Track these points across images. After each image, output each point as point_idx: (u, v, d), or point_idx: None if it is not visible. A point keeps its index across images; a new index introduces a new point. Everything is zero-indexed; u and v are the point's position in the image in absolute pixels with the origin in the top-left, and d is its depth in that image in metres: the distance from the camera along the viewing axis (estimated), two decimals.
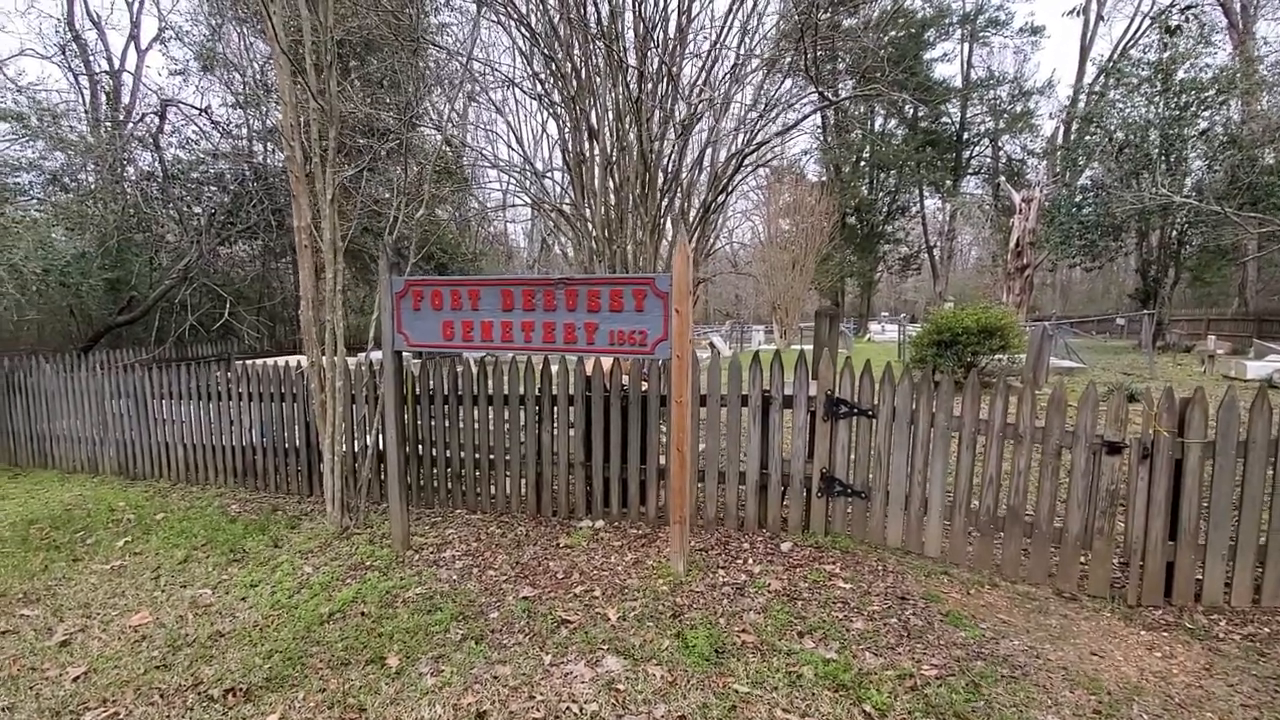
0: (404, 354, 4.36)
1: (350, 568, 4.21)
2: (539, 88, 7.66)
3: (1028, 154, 33.16)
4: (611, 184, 6.79)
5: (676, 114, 6.66)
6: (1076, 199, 18.25)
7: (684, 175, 7.03)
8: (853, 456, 4.01)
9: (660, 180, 6.82)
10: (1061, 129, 28.70)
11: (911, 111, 32.37)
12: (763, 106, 6.74)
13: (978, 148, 35.09)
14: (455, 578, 3.93)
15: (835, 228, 26.23)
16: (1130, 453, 3.21)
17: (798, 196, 24.06)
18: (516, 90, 8.12)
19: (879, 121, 35.45)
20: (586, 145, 6.76)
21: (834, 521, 4.12)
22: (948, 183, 33.74)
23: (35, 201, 12.26)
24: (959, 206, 33.84)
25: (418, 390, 5.21)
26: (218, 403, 6.27)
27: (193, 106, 12.92)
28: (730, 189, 7.01)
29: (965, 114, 33.97)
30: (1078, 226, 17.67)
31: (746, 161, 7.42)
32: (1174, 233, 17.06)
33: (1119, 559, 3.49)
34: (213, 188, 13.44)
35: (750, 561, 3.86)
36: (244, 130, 14.26)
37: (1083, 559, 3.41)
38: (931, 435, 3.72)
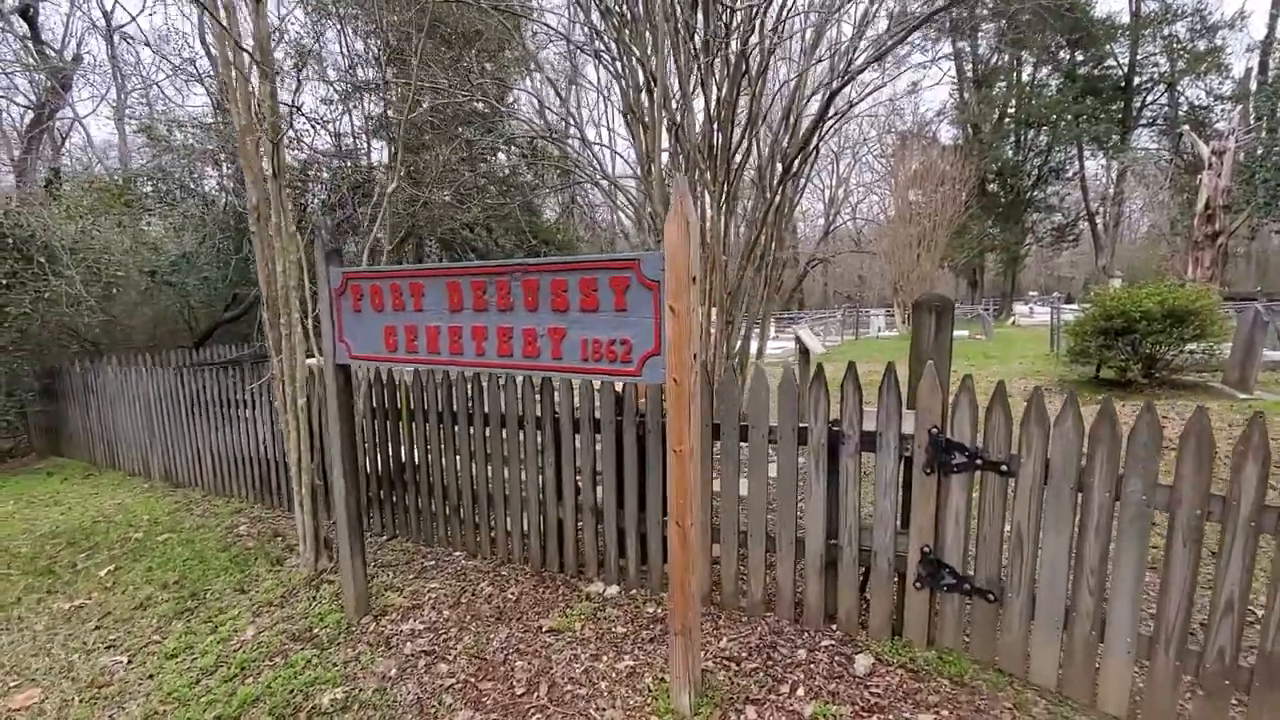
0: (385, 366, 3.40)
1: (293, 636, 3.35)
2: (593, 39, 6.55)
3: (1214, 99, 27.44)
4: (677, 146, 5.53)
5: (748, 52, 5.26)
6: None
7: (759, 127, 5.61)
8: (975, 533, 2.54)
9: (735, 137, 5.47)
10: (1257, 65, 23.42)
11: (1067, 56, 27.80)
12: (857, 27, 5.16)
13: (1151, 95, 29.60)
14: (396, 672, 2.92)
15: (972, 195, 23.04)
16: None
17: (928, 162, 21.28)
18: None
19: (1027, 71, 30.87)
20: (645, 98, 5.53)
21: (942, 629, 2.67)
22: (1114, 137, 28.70)
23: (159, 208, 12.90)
24: (1129, 164, 28.70)
25: (411, 405, 4.29)
26: (233, 410, 5.74)
27: (286, 104, 13.00)
28: (818, 142, 5.47)
29: (1135, 55, 28.68)
30: None
31: (841, 103, 5.86)
32: None
33: None
34: (316, 185, 13.56)
35: (802, 690, 2.52)
36: (345, 126, 14.29)
37: None
38: (1117, 513, 2.18)
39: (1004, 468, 2.40)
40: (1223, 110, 26.77)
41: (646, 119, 5.57)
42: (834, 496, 2.81)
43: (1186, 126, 24.94)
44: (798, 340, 6.51)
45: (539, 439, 3.72)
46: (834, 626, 2.92)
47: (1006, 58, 29.05)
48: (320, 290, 3.21)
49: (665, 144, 5.60)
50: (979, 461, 2.45)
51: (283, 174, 3.70)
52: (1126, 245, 35.75)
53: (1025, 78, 30.92)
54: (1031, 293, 27.71)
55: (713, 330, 5.62)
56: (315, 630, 3.38)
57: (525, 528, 3.86)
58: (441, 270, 2.79)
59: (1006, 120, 30.70)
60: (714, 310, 5.65)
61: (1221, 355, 8.78)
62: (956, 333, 18.69)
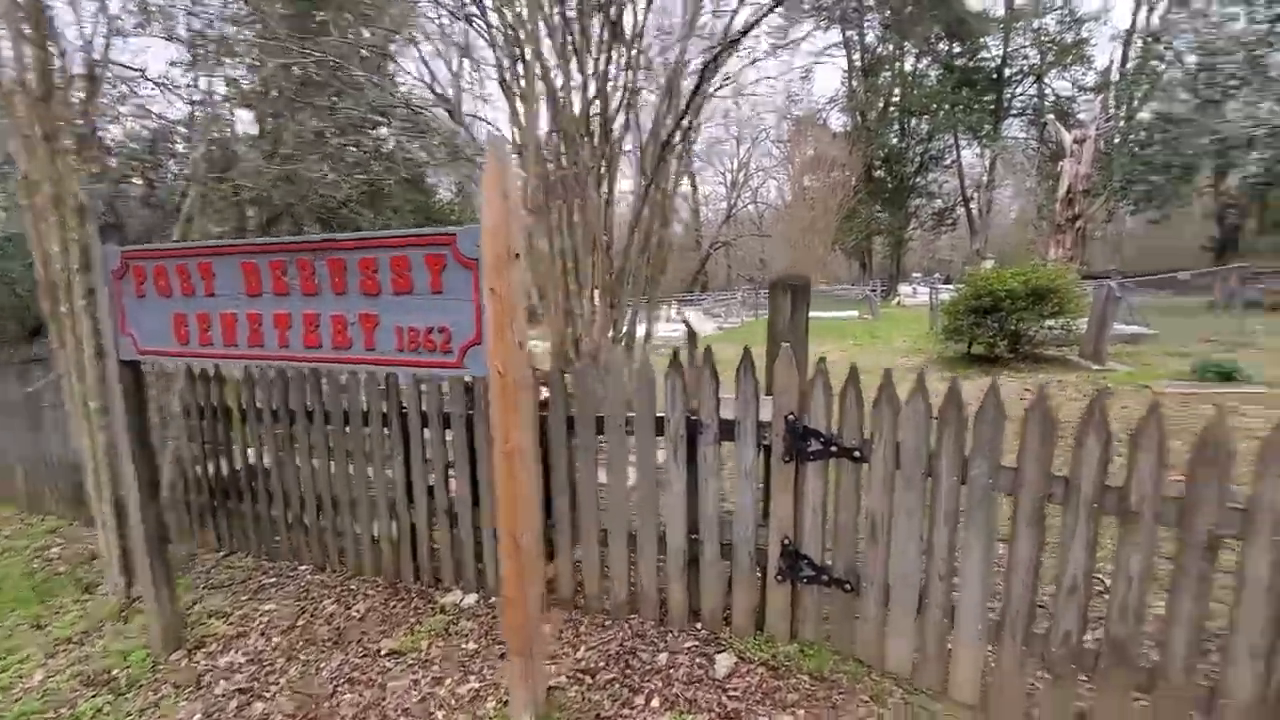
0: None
1: (88, 679, 2.86)
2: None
3: (1079, 90, 29.87)
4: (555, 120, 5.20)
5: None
6: (1139, 136, 15.84)
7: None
8: (832, 521, 2.43)
9: (614, 109, 5.21)
10: (1118, 58, 25.68)
11: (946, 48, 29.38)
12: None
13: (1020, 86, 31.83)
14: (199, 719, 2.50)
15: (861, 181, 23.98)
16: None
17: (820, 148, 21.89)
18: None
19: (910, 61, 32.40)
20: (521, 68, 5.14)
21: (803, 621, 2.56)
22: (987, 127, 30.72)
23: None
24: (1000, 152, 30.86)
25: (244, 404, 3.78)
26: (46, 413, 4.95)
27: (127, 67, 11.47)
28: (695, 115, 5.31)
29: (1007, 48, 30.70)
30: (1140, 168, 15.32)
31: (724, 77, 5.73)
32: (1260, 169, 14.57)
33: None
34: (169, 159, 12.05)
35: (658, 701, 2.34)
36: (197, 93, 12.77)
37: None
38: (964, 497, 2.11)
39: (857, 454, 2.29)
40: (1085, 101, 29.13)
41: (520, 90, 5.21)
42: (694, 489, 2.64)
43: (1052, 116, 26.99)
44: (686, 324, 6.38)
45: (385, 436, 3.35)
46: (699, 625, 2.77)
47: (891, 47, 30.33)
48: (95, 273, 2.69)
49: (544, 117, 5.27)
50: (834, 448, 2.33)
51: (59, 137, 3.09)
52: (999, 229, 38.54)
53: (908, 68, 32.45)
54: (915, 274, 29.34)
55: (596, 315, 5.37)
56: (114, 672, 2.89)
57: (377, 534, 3.49)
58: (234, 247, 2.36)
59: (891, 109, 32.17)
60: (597, 293, 5.40)
61: (1079, 330, 9.48)
62: (846, 312, 19.46)
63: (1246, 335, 10.29)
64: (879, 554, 2.30)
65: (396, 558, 3.44)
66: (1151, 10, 25.65)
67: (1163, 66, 15.42)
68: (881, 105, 31.71)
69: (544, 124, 5.25)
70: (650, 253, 5.85)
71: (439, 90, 7.44)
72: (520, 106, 5.19)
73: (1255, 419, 5.78)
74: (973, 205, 34.35)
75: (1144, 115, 16.64)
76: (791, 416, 2.38)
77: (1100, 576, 2.56)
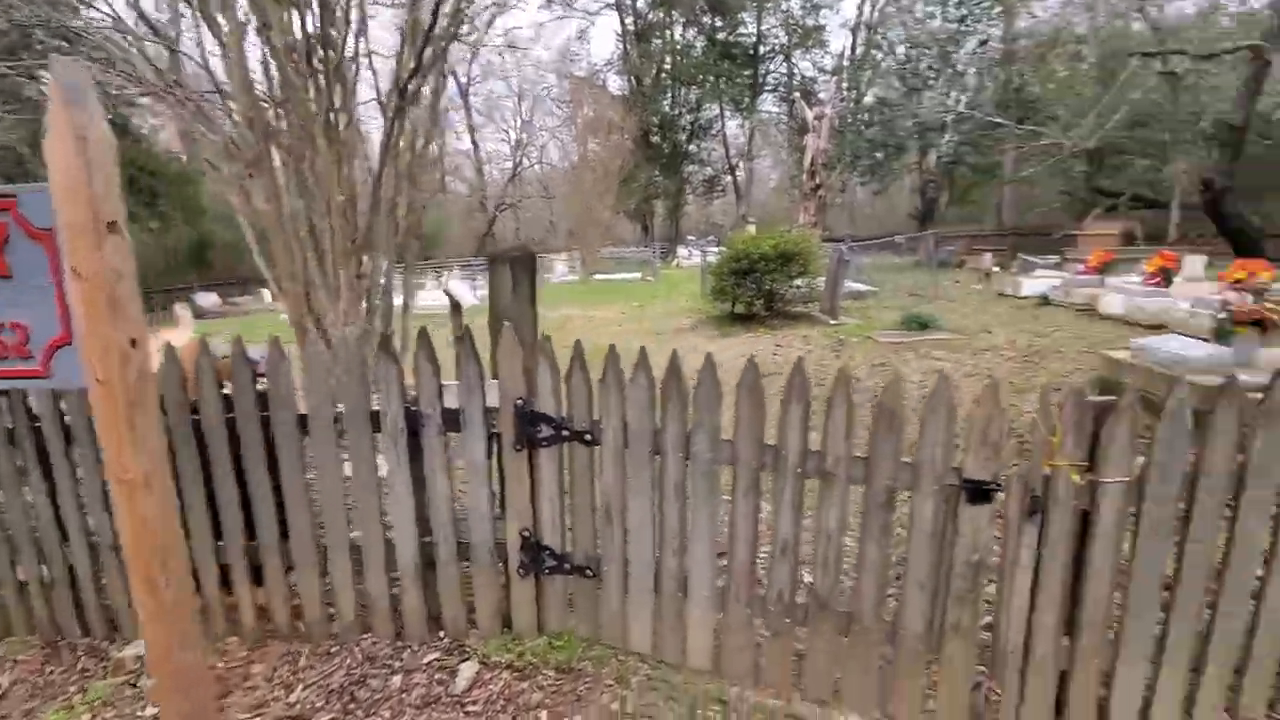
0: None
1: None
2: None
3: (819, 71, 33.57)
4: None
5: None
6: (863, 117, 18.21)
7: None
8: (569, 509, 2.31)
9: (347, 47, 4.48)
10: (849, 45, 29.17)
11: (709, 21, 31.04)
12: None
13: (773, 63, 34.89)
14: None
15: (639, 145, 24.63)
16: (1009, 500, 1.81)
17: (599, 110, 21.96)
18: None
19: (679, 30, 33.76)
20: None
21: (550, 612, 2.43)
22: (746, 100, 33.31)
23: None
24: (757, 125, 33.71)
25: None
26: None
27: None
28: (436, 61, 4.79)
29: (760, 26, 33.32)
30: (865, 145, 17.66)
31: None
32: (950, 150, 17.68)
33: (986, 667, 2.16)
34: None
35: None
36: None
37: (931, 668, 2.04)
38: (688, 472, 2.09)
39: (588, 436, 2.18)
40: (825, 81, 32.77)
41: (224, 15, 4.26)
42: (421, 488, 2.35)
43: (798, 94, 30.01)
44: (448, 295, 5.91)
45: (16, 457, 2.55)
46: (441, 634, 2.52)
47: (661, 14, 31.27)
48: None
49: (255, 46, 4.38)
50: (565, 432, 2.19)
51: None
52: (761, 196, 42.43)
53: (677, 36, 33.81)
54: (690, 236, 31.29)
55: (341, 287, 4.71)
56: None
57: (24, 579, 2.68)
58: None
59: (664, 75, 33.38)
60: (335, 262, 4.73)
61: (819, 288, 10.67)
62: (629, 274, 20.07)
63: (940, 290, 12.44)
64: (615, 536, 2.23)
65: (51, 609, 2.68)
66: (874, 3, 29.51)
67: (880, 55, 17.83)
68: (655, 72, 32.73)
69: (255, 56, 4.38)
70: (400, 215, 5.25)
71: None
72: (224, 30, 4.25)
73: (944, 361, 6.95)
74: (738, 173, 37.28)
75: (868, 99, 19.18)
76: (520, 401, 2.19)
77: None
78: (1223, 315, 4.19)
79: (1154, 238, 17.14)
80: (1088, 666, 1.89)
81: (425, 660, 2.41)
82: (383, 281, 5.06)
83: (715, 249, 17.97)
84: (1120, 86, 11.93)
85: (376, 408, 2.30)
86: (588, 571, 2.31)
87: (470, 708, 2.16)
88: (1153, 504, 1.75)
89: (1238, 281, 6.90)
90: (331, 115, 4.58)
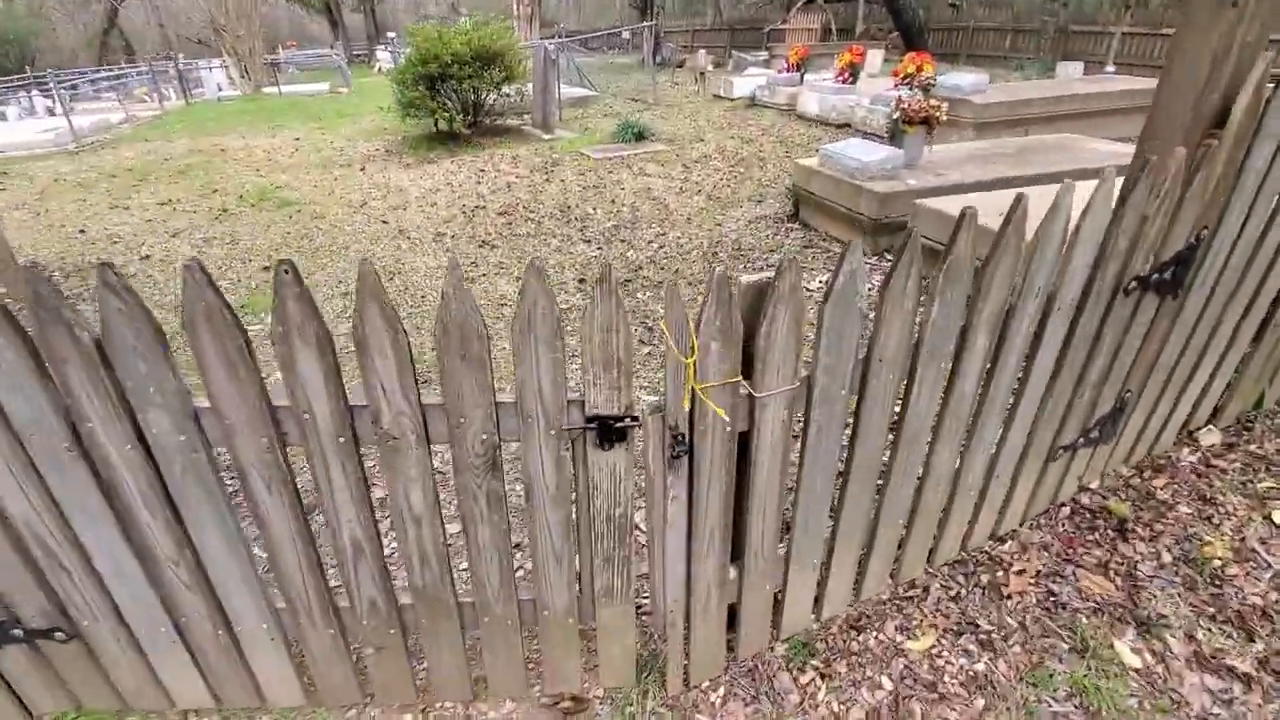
0: None
1: None
2: None
3: None
4: None
5: None
6: None
7: None
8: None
9: None
10: None
11: None
12: None
13: None
14: None
15: None
16: (647, 444, 1.25)
17: None
18: None
19: None
20: None
21: (35, 695, 1.52)
22: None
23: None
24: None
25: None
26: None
27: None
28: None
29: None
30: None
31: None
32: None
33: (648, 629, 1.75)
34: None
35: None
36: None
37: (589, 636, 1.57)
38: (167, 470, 1.21)
39: None
40: None
41: None
42: None
43: None
44: None
45: None
46: None
47: None
48: None
49: None
50: None
51: None
52: None
53: None
54: (391, 34, 25.99)
55: None
56: None
57: None
58: None
59: None
60: None
61: (530, 96, 9.38)
62: (315, 86, 16.29)
63: (660, 93, 11.84)
64: (78, 579, 1.32)
65: None
66: None
67: None
68: None
69: None
70: None
71: None
72: None
73: (656, 178, 6.50)
74: None
75: None
76: None
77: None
78: (896, 114, 4.13)
79: (845, 31, 18.13)
80: (759, 593, 1.56)
81: None
82: None
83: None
84: None
85: None
86: (57, 635, 1.39)
87: None
88: (821, 404, 1.32)
89: (907, 77, 7.26)
90: None
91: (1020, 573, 1.89)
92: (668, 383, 1.20)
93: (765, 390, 1.22)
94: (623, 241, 4.88)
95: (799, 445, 1.40)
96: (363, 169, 7.59)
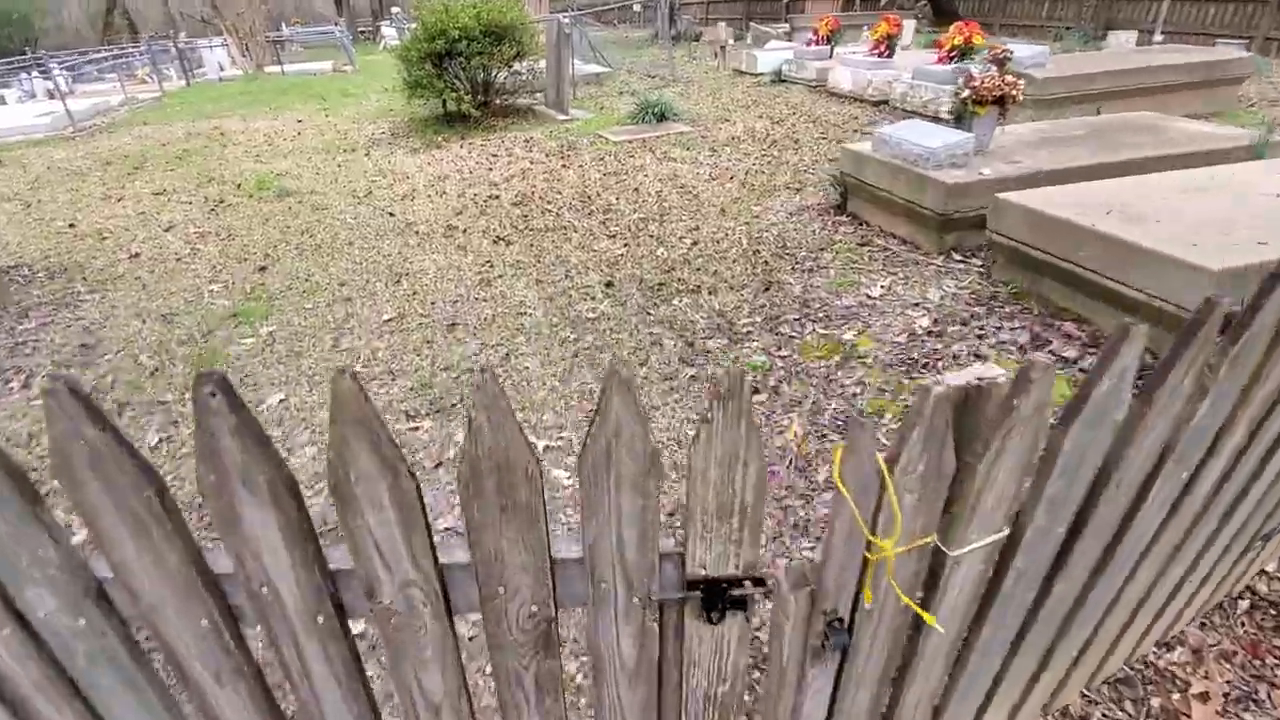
0: None
1: None
2: None
3: None
4: None
5: None
6: None
7: None
8: None
9: None
10: None
11: None
12: None
13: None
14: None
15: None
16: (779, 624, 0.83)
17: None
18: None
19: None
20: None
21: None
22: None
23: None
24: None
25: None
26: None
27: None
28: None
29: None
30: None
31: None
32: None
33: None
34: None
35: None
36: None
37: None
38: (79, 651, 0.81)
39: None
40: None
41: None
42: None
43: None
44: None
45: None
46: None
47: None
48: None
49: None
50: None
51: None
52: None
53: None
54: (395, 9, 25.12)
55: None
56: None
57: None
58: None
59: None
60: None
61: (544, 74, 8.85)
62: (319, 64, 15.75)
63: (678, 69, 11.24)
64: None
65: None
66: None
67: None
68: None
69: None
70: None
71: None
72: None
73: (683, 163, 6.00)
74: None
75: None
76: None
77: None
78: (966, 92, 3.64)
79: (868, 1, 17.28)
80: None
81: None
82: None
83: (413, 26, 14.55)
84: None
85: None
86: None
87: None
88: (1030, 549, 0.90)
89: (954, 49, 6.67)
90: None
91: (1203, 697, 1.47)
92: (826, 550, 0.78)
93: (963, 546, 0.80)
94: (651, 237, 4.43)
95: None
96: (367, 154, 7.14)
